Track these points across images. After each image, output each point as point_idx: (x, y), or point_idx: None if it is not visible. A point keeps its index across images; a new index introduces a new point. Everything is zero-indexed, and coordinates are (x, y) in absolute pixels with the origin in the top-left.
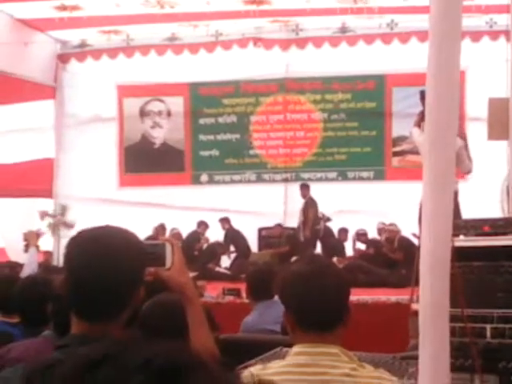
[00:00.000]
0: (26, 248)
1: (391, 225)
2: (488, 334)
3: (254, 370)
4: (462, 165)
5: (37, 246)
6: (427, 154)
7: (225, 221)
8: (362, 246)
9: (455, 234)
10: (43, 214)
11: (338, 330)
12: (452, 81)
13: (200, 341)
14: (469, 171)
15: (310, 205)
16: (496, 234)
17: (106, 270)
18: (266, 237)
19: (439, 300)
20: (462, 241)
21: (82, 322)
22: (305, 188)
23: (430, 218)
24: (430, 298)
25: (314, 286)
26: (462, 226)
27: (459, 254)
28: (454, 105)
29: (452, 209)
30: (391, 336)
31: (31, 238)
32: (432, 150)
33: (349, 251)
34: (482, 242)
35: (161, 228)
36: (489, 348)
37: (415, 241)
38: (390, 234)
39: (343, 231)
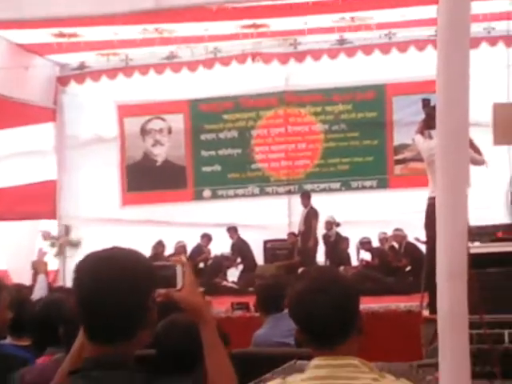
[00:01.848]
0: (34, 276)
1: (397, 230)
2: (506, 339)
3: None
4: (474, 163)
5: (46, 273)
6: (440, 162)
7: (233, 230)
8: (365, 255)
9: (469, 241)
10: (46, 235)
11: (350, 341)
12: (462, 87)
13: (216, 363)
14: (483, 163)
15: (312, 215)
16: (510, 240)
17: (116, 292)
18: (272, 249)
19: (458, 308)
20: (477, 247)
21: (95, 344)
22: (306, 197)
23: (446, 226)
24: (449, 306)
25: (319, 301)
26: (475, 233)
27: (474, 261)
28: (465, 112)
29: (467, 216)
30: (404, 344)
31: (39, 267)
32: (445, 157)
33: (353, 260)
34: (497, 248)
35: (159, 246)
36: (508, 353)
37: (421, 246)
38: (396, 238)
39: (344, 240)
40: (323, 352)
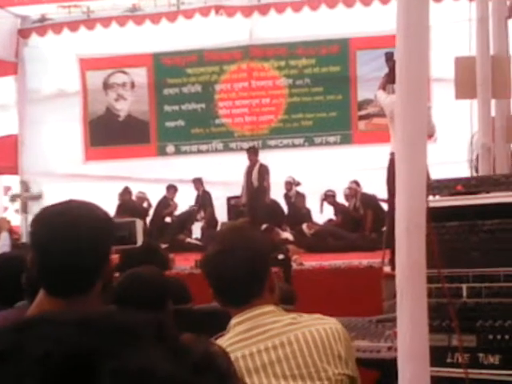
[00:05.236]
0: None
1: (352, 183)
2: (464, 293)
3: None
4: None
5: (9, 231)
6: (399, 115)
7: (198, 182)
8: (328, 209)
9: (428, 195)
10: (7, 190)
11: (263, 298)
12: (422, 41)
13: None
14: (432, 134)
15: (264, 171)
16: (469, 193)
17: (71, 244)
18: (236, 206)
19: (416, 261)
20: (436, 201)
21: (53, 298)
22: (253, 153)
23: (405, 180)
24: (407, 260)
25: (227, 263)
26: (434, 187)
27: (433, 215)
28: (425, 64)
29: (426, 169)
30: (365, 299)
31: (2, 225)
32: (404, 110)
33: (316, 213)
34: (456, 201)
35: (126, 193)
36: (466, 308)
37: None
38: (350, 190)
39: (300, 197)
40: (240, 310)
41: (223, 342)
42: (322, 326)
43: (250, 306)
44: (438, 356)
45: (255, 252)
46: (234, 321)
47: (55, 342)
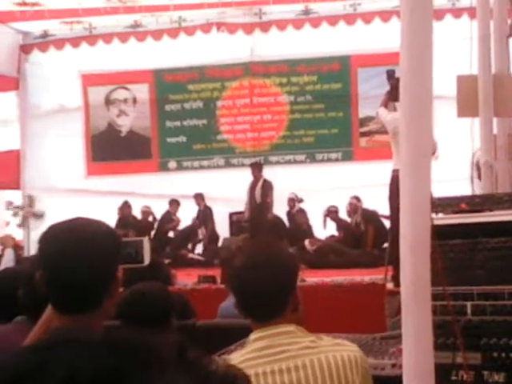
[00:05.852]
0: (2, 252)
1: (353, 198)
2: (469, 311)
3: None
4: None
5: (13, 247)
6: (403, 133)
7: (199, 197)
8: (331, 224)
9: (432, 212)
10: (9, 205)
11: (286, 316)
12: (426, 59)
13: None
14: (434, 152)
15: (268, 187)
16: (473, 211)
17: (81, 261)
18: (238, 221)
19: (421, 279)
20: (440, 219)
21: (62, 315)
22: (257, 168)
23: (409, 197)
24: (412, 277)
25: (254, 277)
26: (438, 204)
27: (437, 233)
28: (429, 82)
29: (430, 187)
30: (368, 316)
31: (7, 241)
32: (408, 128)
33: (319, 228)
34: (460, 219)
35: (126, 207)
36: (470, 325)
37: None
38: (350, 206)
39: (301, 214)
40: (260, 325)
41: (239, 355)
42: (339, 353)
43: (271, 323)
44: (442, 373)
45: (280, 269)
46: (253, 336)
47: (79, 363)
